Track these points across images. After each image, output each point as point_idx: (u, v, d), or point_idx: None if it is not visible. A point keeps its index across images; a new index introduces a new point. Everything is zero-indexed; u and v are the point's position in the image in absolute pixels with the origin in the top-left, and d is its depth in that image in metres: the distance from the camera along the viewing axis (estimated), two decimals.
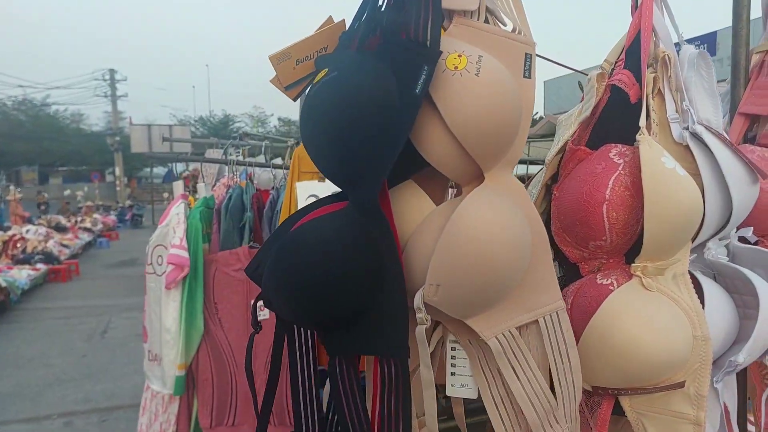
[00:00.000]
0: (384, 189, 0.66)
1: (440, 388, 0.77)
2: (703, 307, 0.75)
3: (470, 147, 0.63)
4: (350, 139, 0.61)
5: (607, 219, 0.74)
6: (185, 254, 1.57)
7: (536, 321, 0.69)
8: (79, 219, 12.67)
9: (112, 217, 15.06)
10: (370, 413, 0.68)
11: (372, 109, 0.61)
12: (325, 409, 0.77)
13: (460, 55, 0.63)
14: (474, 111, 0.61)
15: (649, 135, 0.75)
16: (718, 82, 0.93)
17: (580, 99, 0.86)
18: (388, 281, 0.63)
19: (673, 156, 0.74)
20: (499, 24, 0.73)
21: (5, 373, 4.11)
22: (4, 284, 6.04)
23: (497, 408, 0.70)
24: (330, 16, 0.83)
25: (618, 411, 0.79)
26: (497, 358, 0.67)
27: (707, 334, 0.74)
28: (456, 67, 0.63)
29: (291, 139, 2.58)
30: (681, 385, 0.74)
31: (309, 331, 0.74)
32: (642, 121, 0.75)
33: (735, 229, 0.81)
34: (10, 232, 8.49)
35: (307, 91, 0.80)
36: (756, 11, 0.94)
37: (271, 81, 0.83)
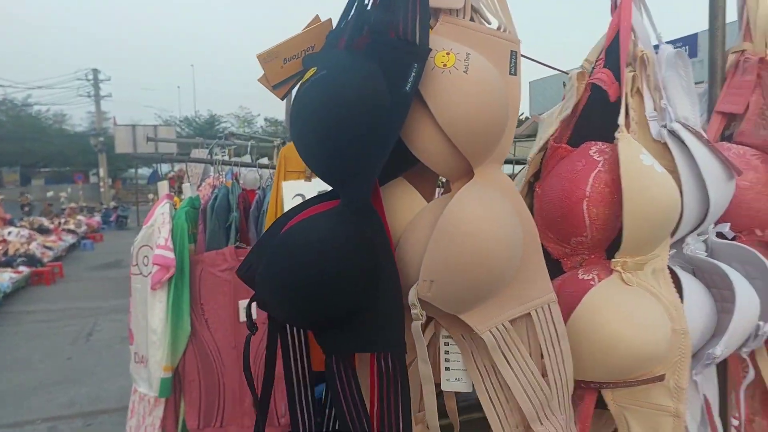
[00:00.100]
0: (375, 187, 0.66)
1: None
2: (682, 302, 0.77)
3: (460, 143, 0.64)
4: (341, 137, 0.61)
5: (587, 215, 0.75)
6: (171, 255, 1.56)
7: (528, 314, 0.70)
8: (62, 221, 12.47)
9: (96, 219, 14.85)
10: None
11: (362, 108, 0.61)
12: (321, 407, 0.77)
13: (448, 53, 0.64)
14: (464, 107, 0.62)
15: (628, 133, 0.76)
16: (698, 83, 0.95)
17: (562, 98, 0.88)
18: (383, 280, 0.64)
19: (651, 153, 0.76)
20: (485, 22, 0.74)
21: None
22: None
23: (491, 401, 0.71)
24: (317, 15, 0.84)
25: (601, 405, 0.80)
26: (491, 352, 0.68)
27: (686, 327, 0.75)
28: (445, 65, 0.64)
29: (277, 138, 2.58)
30: (661, 378, 0.76)
31: (302, 331, 0.74)
32: (621, 119, 0.77)
33: (713, 225, 0.83)
34: None
35: (295, 90, 0.80)
36: (732, 15, 0.97)
37: (258, 80, 0.82)
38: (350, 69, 0.64)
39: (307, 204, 0.72)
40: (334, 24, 0.76)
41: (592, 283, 0.76)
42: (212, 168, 2.30)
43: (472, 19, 0.72)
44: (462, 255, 0.62)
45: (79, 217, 13.68)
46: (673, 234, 0.79)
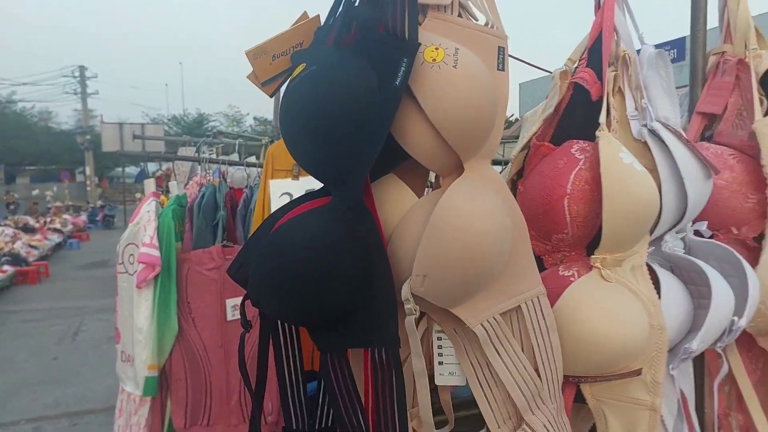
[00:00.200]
0: (367, 183, 0.67)
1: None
2: (660, 298, 0.78)
3: (450, 138, 0.65)
4: (331, 134, 0.61)
5: (568, 212, 0.76)
6: (156, 253, 1.55)
7: (519, 306, 0.71)
8: (48, 219, 12.31)
9: (82, 218, 14.68)
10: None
11: (352, 104, 0.61)
12: (314, 404, 0.77)
13: (437, 48, 0.65)
14: (453, 102, 0.63)
15: (609, 131, 0.78)
16: (681, 87, 0.97)
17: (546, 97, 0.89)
18: (376, 276, 0.64)
19: (632, 152, 0.77)
20: (472, 18, 0.75)
21: None
22: None
23: (484, 393, 0.72)
24: (305, 11, 0.84)
25: (579, 399, 0.82)
26: (483, 345, 0.69)
27: (663, 323, 0.77)
28: (434, 60, 0.64)
29: (265, 137, 2.57)
30: (638, 372, 0.77)
31: (294, 328, 0.74)
32: (602, 118, 0.78)
33: (691, 223, 0.84)
34: None
35: (284, 87, 0.80)
36: (714, 21, 0.98)
37: (247, 77, 0.82)
38: (339, 65, 0.64)
39: (297, 202, 0.72)
40: (322, 21, 0.76)
41: (572, 279, 0.77)
42: (199, 166, 2.29)
43: (459, 15, 0.73)
44: (454, 249, 0.62)
45: (65, 216, 13.50)
46: (651, 231, 0.80)
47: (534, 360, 0.72)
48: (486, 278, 0.68)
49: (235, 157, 2.52)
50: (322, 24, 0.76)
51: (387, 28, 0.65)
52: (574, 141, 0.80)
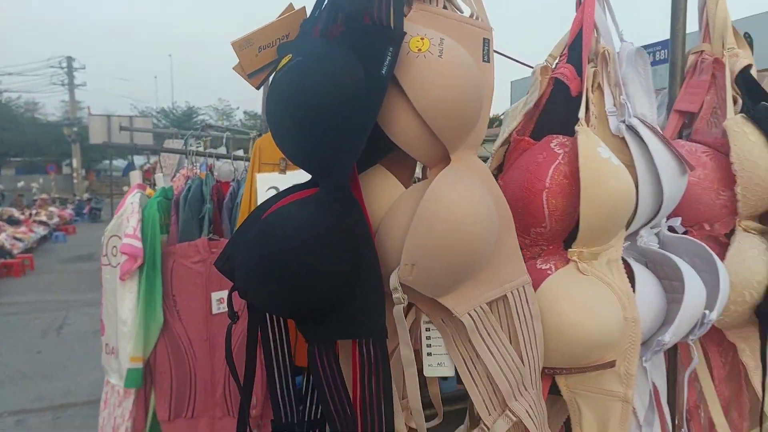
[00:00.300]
0: (354, 174, 0.67)
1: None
2: (634, 291, 0.80)
3: (436, 127, 0.65)
4: (318, 124, 0.61)
5: (546, 206, 0.77)
6: (138, 244, 1.54)
7: (505, 296, 0.72)
8: (33, 212, 12.15)
9: (69, 211, 14.50)
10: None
11: (339, 93, 0.61)
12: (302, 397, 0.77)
13: (422, 38, 0.65)
14: (439, 91, 0.64)
15: (588, 127, 0.79)
16: (663, 89, 0.98)
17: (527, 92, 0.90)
18: (365, 267, 0.64)
19: (610, 147, 0.79)
20: (457, 10, 0.75)
21: None
22: None
23: (474, 382, 0.73)
24: (291, 3, 0.84)
25: (554, 391, 0.83)
26: (470, 334, 0.70)
27: (637, 316, 0.78)
28: (419, 50, 0.65)
29: (253, 131, 2.56)
30: (612, 364, 0.79)
31: (282, 321, 0.75)
32: (581, 113, 0.79)
33: (665, 219, 0.86)
34: None
35: (271, 78, 0.80)
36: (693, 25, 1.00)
37: (233, 68, 0.82)
38: (325, 55, 0.65)
39: (284, 193, 0.72)
40: (308, 13, 0.77)
41: (549, 272, 0.79)
42: (186, 159, 2.28)
43: (445, 7, 0.73)
44: (442, 237, 0.63)
45: (51, 208, 13.33)
46: (628, 226, 0.82)
47: (519, 348, 0.73)
48: (473, 266, 0.68)
49: (222, 150, 2.51)
50: (308, 16, 0.76)
51: (373, 18, 0.65)
52: (554, 136, 0.81)
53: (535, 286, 0.76)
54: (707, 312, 0.81)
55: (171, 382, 1.73)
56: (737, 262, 0.87)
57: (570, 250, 0.79)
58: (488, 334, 0.71)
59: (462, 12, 0.75)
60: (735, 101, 0.91)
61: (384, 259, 0.67)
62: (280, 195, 0.70)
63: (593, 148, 0.76)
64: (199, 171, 2.16)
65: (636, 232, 0.85)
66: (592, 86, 0.82)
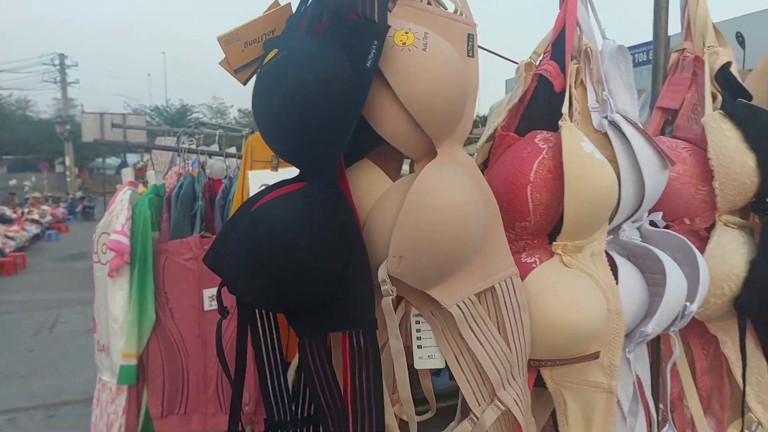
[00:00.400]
0: (341, 168, 0.68)
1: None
2: (617, 284, 0.81)
3: (422, 120, 0.66)
4: (304, 118, 0.62)
5: (531, 200, 0.79)
6: (126, 240, 1.54)
7: (493, 287, 0.73)
8: (25, 210, 12.07)
9: (61, 209, 14.42)
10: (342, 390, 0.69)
11: (324, 87, 0.62)
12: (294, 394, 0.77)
13: (407, 32, 0.66)
14: (424, 84, 0.65)
15: (571, 122, 0.80)
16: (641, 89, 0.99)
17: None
18: (353, 260, 0.65)
19: (593, 143, 0.80)
20: (441, 6, 0.76)
21: None
22: None
23: (463, 372, 0.74)
24: None
25: (539, 383, 0.85)
26: (459, 325, 0.71)
27: (620, 307, 0.80)
28: (404, 43, 0.66)
29: (246, 128, 2.56)
30: (596, 355, 0.80)
31: (272, 317, 0.75)
32: (565, 109, 0.80)
33: (647, 213, 0.88)
34: None
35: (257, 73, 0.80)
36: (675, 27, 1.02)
37: (220, 63, 0.82)
38: (311, 49, 0.65)
39: (271, 188, 0.72)
40: (294, 9, 0.77)
41: (534, 265, 0.80)
42: (178, 157, 2.28)
43: (429, 3, 0.74)
44: (429, 229, 0.64)
45: (44, 206, 13.24)
46: (611, 220, 0.83)
47: (507, 338, 0.74)
48: (461, 258, 0.69)
49: (215, 147, 2.51)
50: (293, 12, 0.77)
51: (357, 13, 0.66)
52: (538, 131, 0.82)
53: (521, 279, 0.77)
54: (688, 304, 0.83)
55: (163, 379, 1.73)
56: (716, 256, 0.89)
57: (554, 243, 0.80)
58: (477, 325, 0.72)
59: (446, 8, 0.76)
60: (715, 98, 0.92)
61: (372, 251, 0.68)
62: (268, 189, 0.71)
63: (577, 143, 0.77)
64: (191, 168, 2.17)
65: (619, 227, 0.86)
66: (575, 83, 0.83)
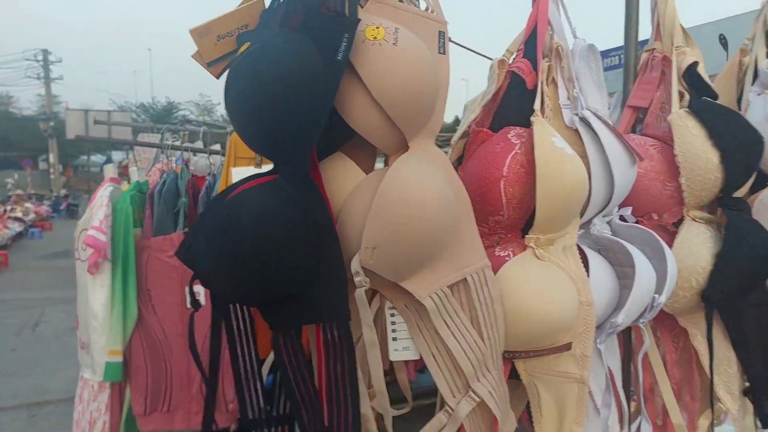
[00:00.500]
0: (314, 161, 0.68)
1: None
2: (588, 276, 0.83)
3: (393, 114, 0.67)
4: (275, 109, 0.62)
5: (504, 194, 0.80)
6: (103, 237, 1.52)
7: (465, 279, 0.74)
8: (8, 208, 11.89)
9: (45, 207, 14.22)
10: (317, 383, 0.70)
11: (295, 79, 0.62)
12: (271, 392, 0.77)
13: (377, 27, 0.68)
14: (394, 77, 0.66)
15: (543, 118, 0.82)
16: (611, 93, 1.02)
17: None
18: (326, 252, 0.65)
19: (564, 139, 0.82)
20: (413, 4, 0.77)
21: None
22: None
23: (437, 364, 0.75)
24: None
25: (514, 376, 0.86)
26: (432, 317, 0.72)
27: (591, 299, 0.82)
28: (375, 38, 0.67)
29: (230, 125, 2.55)
30: (568, 346, 0.82)
31: (247, 313, 0.75)
32: (537, 105, 0.82)
33: (617, 208, 0.90)
34: None
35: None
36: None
37: (192, 56, 0.82)
38: (282, 42, 0.66)
39: (244, 181, 0.72)
40: (267, 3, 0.78)
41: (507, 258, 0.82)
42: (162, 153, 2.27)
43: (401, 0, 0.75)
44: (401, 220, 0.65)
45: (27, 204, 13.05)
46: (582, 214, 0.85)
47: (480, 329, 0.75)
48: (432, 250, 0.70)
49: (200, 144, 2.50)
50: (266, 7, 0.77)
51: (329, 7, 0.67)
52: (511, 127, 0.84)
53: (494, 272, 0.79)
54: (656, 296, 0.85)
55: (146, 377, 1.72)
56: (684, 250, 0.92)
57: (527, 236, 0.82)
58: (450, 317, 0.73)
59: (418, 6, 0.78)
60: (683, 96, 0.95)
61: (346, 244, 0.68)
62: (241, 182, 0.71)
63: (548, 138, 0.79)
64: (175, 165, 2.16)
65: (590, 221, 0.88)
66: (547, 80, 0.85)
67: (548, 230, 0.82)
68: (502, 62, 0.87)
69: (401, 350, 0.77)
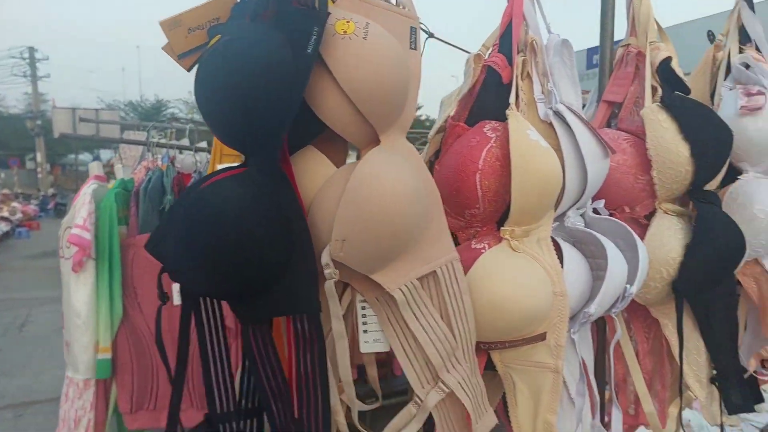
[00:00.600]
0: (285, 154, 0.69)
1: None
2: (562, 268, 0.85)
3: (363, 108, 0.68)
4: (244, 101, 0.63)
5: (480, 187, 0.82)
6: (87, 235, 1.52)
7: (434, 271, 0.75)
8: None
9: (32, 206, 14.06)
10: (287, 375, 0.70)
11: (265, 71, 0.63)
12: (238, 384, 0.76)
13: (348, 21, 0.69)
14: (364, 71, 0.67)
15: (518, 112, 0.83)
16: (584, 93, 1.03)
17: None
18: (296, 243, 0.66)
19: (538, 132, 0.83)
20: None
21: None
22: None
23: (407, 356, 0.76)
24: None
25: (490, 367, 0.88)
26: (401, 309, 0.73)
27: (565, 290, 0.83)
28: (345, 32, 0.68)
29: None
30: (543, 337, 0.84)
31: (216, 307, 0.74)
32: (512, 99, 0.84)
33: (590, 201, 0.92)
34: None
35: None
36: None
37: (163, 48, 0.82)
38: (252, 34, 0.66)
39: (213, 174, 0.72)
40: None
41: (482, 251, 0.83)
42: (148, 151, 2.26)
43: None
44: (371, 212, 0.66)
45: (14, 203, 12.89)
46: (556, 207, 0.87)
47: (449, 321, 0.76)
48: (402, 242, 0.71)
49: (186, 142, 2.49)
50: (238, 0, 0.78)
51: (300, 1, 0.68)
52: (487, 121, 0.85)
53: (470, 264, 0.80)
54: (628, 286, 0.87)
55: (132, 375, 1.72)
56: (655, 241, 0.94)
57: (502, 228, 0.84)
58: (419, 309, 0.75)
59: (390, 2, 0.79)
60: (656, 91, 0.97)
61: (316, 237, 0.69)
62: (210, 175, 0.71)
63: (523, 131, 0.80)
64: (160, 163, 2.15)
65: (564, 214, 0.90)
66: (522, 74, 0.87)
67: (523, 222, 0.83)
68: (478, 57, 0.88)
69: (372, 342, 0.78)
